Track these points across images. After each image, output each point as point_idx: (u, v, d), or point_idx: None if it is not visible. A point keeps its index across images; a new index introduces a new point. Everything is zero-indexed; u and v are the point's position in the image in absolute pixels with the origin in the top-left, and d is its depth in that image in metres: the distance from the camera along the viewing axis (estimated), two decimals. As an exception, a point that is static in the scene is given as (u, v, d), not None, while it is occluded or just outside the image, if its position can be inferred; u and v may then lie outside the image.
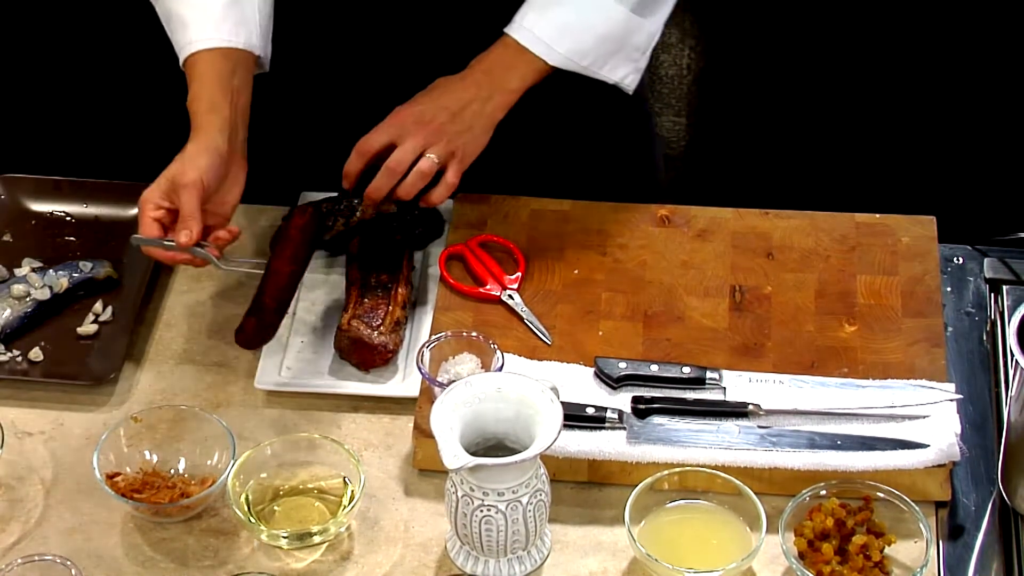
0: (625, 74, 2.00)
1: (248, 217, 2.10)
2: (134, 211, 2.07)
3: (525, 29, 1.95)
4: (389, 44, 2.06)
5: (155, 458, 1.81)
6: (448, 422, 1.67)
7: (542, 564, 1.74)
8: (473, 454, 1.66)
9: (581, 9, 1.95)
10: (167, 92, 3.26)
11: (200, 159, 1.85)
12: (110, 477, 1.77)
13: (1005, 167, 2.01)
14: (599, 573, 1.73)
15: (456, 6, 2.01)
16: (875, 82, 2.86)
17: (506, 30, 1.96)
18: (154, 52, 3.28)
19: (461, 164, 1.94)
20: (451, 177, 1.93)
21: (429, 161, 1.92)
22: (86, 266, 2.01)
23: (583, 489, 1.80)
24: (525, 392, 1.70)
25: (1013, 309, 1.71)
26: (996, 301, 1.96)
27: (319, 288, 2.01)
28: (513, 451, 1.68)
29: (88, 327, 1.97)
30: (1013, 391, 1.71)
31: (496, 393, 1.70)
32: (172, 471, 1.81)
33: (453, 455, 1.64)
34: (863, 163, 2.02)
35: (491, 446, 1.71)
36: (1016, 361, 1.67)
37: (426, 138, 1.92)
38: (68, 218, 2.11)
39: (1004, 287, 1.96)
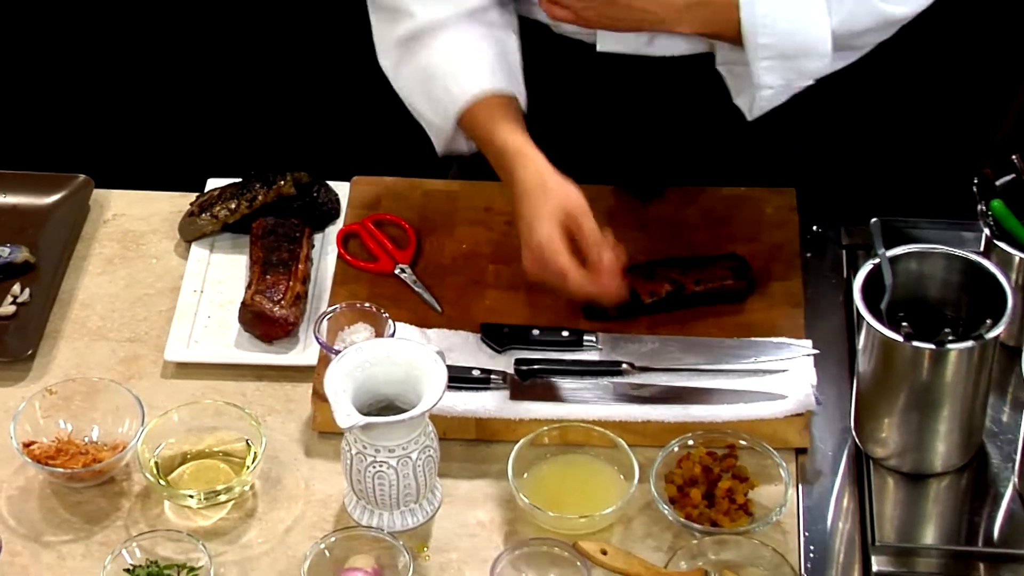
0: (771, 82, 1.83)
1: (152, 206, 2.09)
2: (49, 199, 2.08)
3: None
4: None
5: (69, 427, 1.79)
6: (341, 385, 1.67)
7: (433, 515, 1.74)
8: (367, 415, 1.65)
9: (806, 10, 1.81)
10: (81, 88, 3.28)
11: (568, 186, 1.75)
12: (26, 445, 1.76)
13: (867, 152, 2.03)
14: (487, 522, 1.73)
15: None
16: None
17: None
18: (74, 48, 3.28)
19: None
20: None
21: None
22: (4, 251, 1.99)
23: (472, 446, 1.80)
24: (412, 356, 1.70)
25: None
26: (850, 265, 1.97)
27: (225, 267, 2.00)
28: (403, 411, 1.68)
29: (6, 308, 1.94)
30: (861, 344, 1.72)
31: (386, 357, 1.70)
32: (86, 439, 1.79)
33: (345, 415, 1.64)
34: (735, 143, 2.04)
35: (383, 407, 1.71)
36: (862, 317, 1.69)
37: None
38: (-13, 207, 2.09)
39: (858, 252, 1.97)
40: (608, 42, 1.91)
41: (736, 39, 1.81)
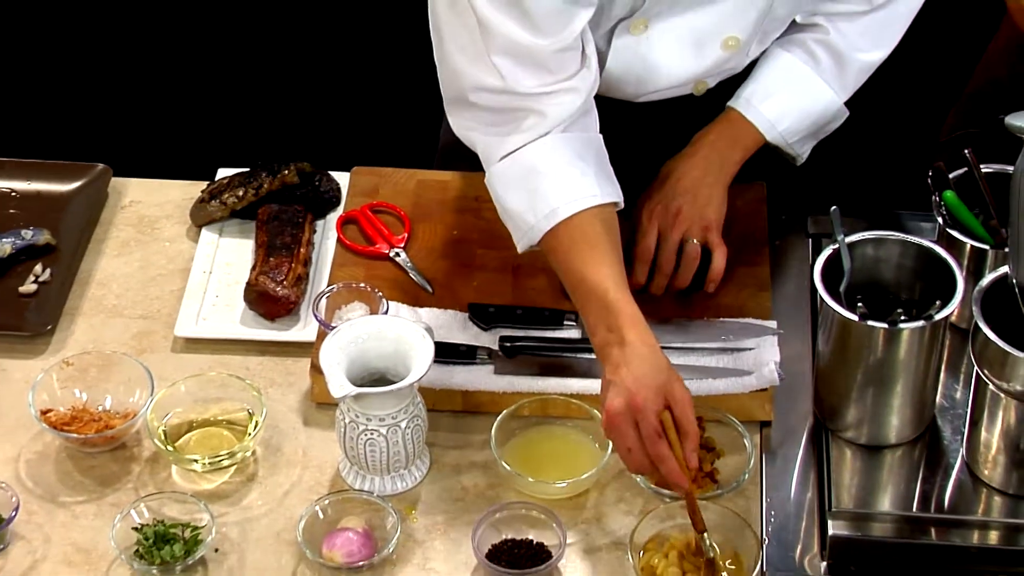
0: (807, 150, 1.97)
1: (166, 193, 2.14)
2: (70, 186, 2.12)
3: (753, 107, 1.91)
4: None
5: (84, 396, 1.85)
6: (335, 358, 1.72)
7: (422, 481, 1.79)
8: (359, 386, 1.71)
9: (805, 94, 1.92)
10: (102, 85, 3.33)
11: (674, 371, 1.66)
12: (44, 413, 1.81)
13: (834, 148, 2.07)
14: (471, 487, 1.78)
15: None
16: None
17: (732, 104, 1.92)
18: (96, 49, 3.34)
19: (717, 230, 1.90)
20: (716, 243, 1.89)
21: (692, 245, 1.88)
22: (28, 234, 2.04)
23: (459, 417, 1.85)
24: (402, 332, 1.75)
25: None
26: (815, 252, 2.01)
27: (232, 251, 2.05)
28: (393, 383, 1.73)
29: (29, 286, 2.00)
30: (821, 324, 1.77)
31: (377, 333, 1.75)
32: (99, 408, 1.84)
33: (339, 385, 1.69)
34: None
35: (375, 379, 1.76)
36: (821, 298, 1.73)
37: (679, 228, 1.88)
38: (13, 193, 2.13)
39: (822, 240, 2.01)
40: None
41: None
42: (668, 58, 1.87)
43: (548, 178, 1.74)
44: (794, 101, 1.93)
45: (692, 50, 1.87)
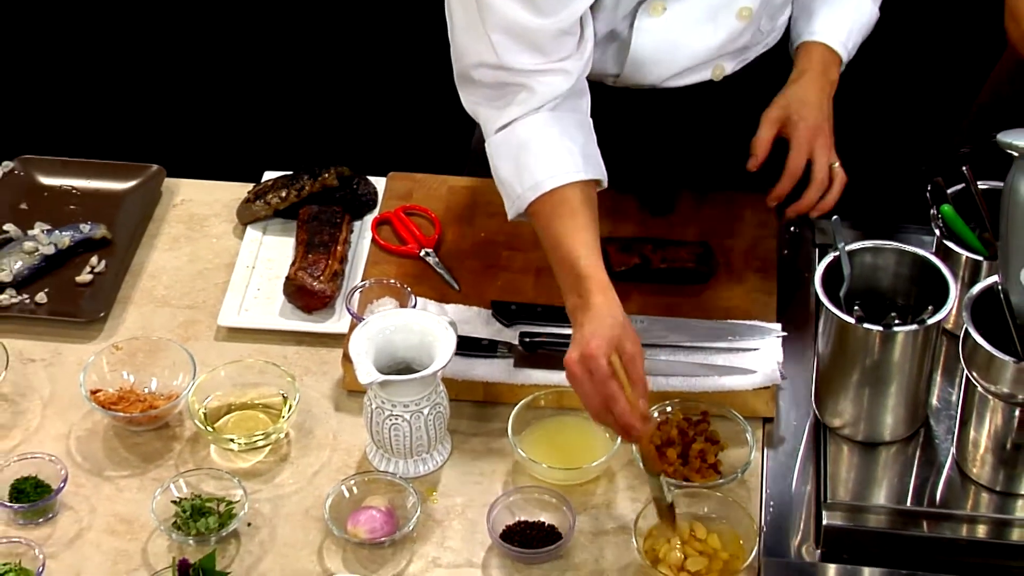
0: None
1: (215, 193, 2.20)
2: (126, 185, 2.18)
3: (832, 34, 1.96)
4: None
5: (132, 379, 1.90)
6: (364, 347, 1.77)
7: (443, 465, 1.83)
8: (385, 375, 1.75)
9: (856, 10, 2.00)
10: (160, 92, 3.40)
11: (630, 325, 1.70)
12: (93, 393, 1.87)
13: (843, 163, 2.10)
14: (489, 472, 1.82)
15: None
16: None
17: (815, 38, 1.97)
18: (146, 53, 3.42)
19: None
20: (842, 175, 1.92)
21: (841, 170, 1.92)
22: (85, 228, 2.10)
23: (480, 407, 1.89)
24: (427, 324, 1.80)
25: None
26: (820, 261, 2.03)
27: (274, 247, 2.10)
28: (417, 372, 1.77)
29: (85, 276, 2.06)
30: (821, 327, 1.80)
31: (404, 325, 1.80)
32: (145, 389, 1.90)
33: (366, 372, 1.74)
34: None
35: (401, 369, 1.80)
36: (821, 302, 1.76)
37: (828, 150, 1.92)
38: (74, 191, 2.19)
39: (828, 250, 2.03)
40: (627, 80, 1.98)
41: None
42: (688, 36, 1.92)
43: (535, 153, 1.79)
44: (853, 20, 1.98)
45: (709, 25, 1.92)
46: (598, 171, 1.82)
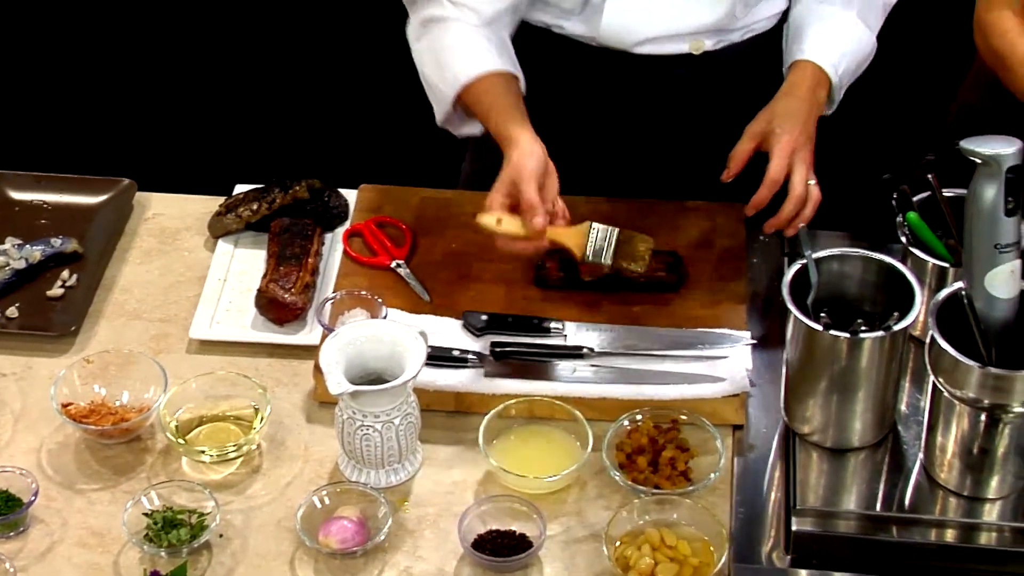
0: (841, 96, 2.02)
1: (186, 206, 2.20)
2: (98, 199, 2.18)
3: (822, 54, 1.97)
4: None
5: (103, 392, 1.90)
6: (334, 358, 1.77)
7: (414, 475, 1.83)
8: (356, 385, 1.75)
9: (851, 37, 2.01)
10: (131, 106, 3.41)
11: (531, 160, 1.86)
12: (65, 406, 1.86)
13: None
14: (460, 481, 1.83)
15: None
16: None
17: (803, 57, 1.98)
18: (117, 67, 3.42)
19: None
20: (817, 193, 1.93)
21: (817, 189, 1.93)
22: (56, 242, 2.09)
23: (451, 417, 1.89)
24: (397, 335, 1.80)
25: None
26: (788, 269, 2.04)
27: (246, 260, 2.10)
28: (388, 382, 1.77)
29: (56, 291, 2.05)
30: (789, 335, 1.81)
31: (374, 336, 1.80)
32: (117, 402, 1.89)
33: (336, 383, 1.74)
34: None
35: (372, 379, 1.80)
36: (789, 310, 1.77)
37: (808, 165, 1.93)
38: (45, 205, 2.19)
39: (797, 258, 2.05)
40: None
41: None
42: (659, 2, 1.97)
43: (453, 52, 1.97)
44: (845, 44, 2.00)
45: None
46: (512, 67, 1.97)
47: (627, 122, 2.12)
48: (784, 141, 1.93)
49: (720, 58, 2.05)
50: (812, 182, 1.94)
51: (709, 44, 2.04)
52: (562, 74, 2.11)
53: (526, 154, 1.87)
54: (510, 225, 1.86)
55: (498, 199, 1.87)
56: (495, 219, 1.86)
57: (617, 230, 1.91)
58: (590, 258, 1.89)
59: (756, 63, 2.07)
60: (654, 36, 2.01)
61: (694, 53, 2.03)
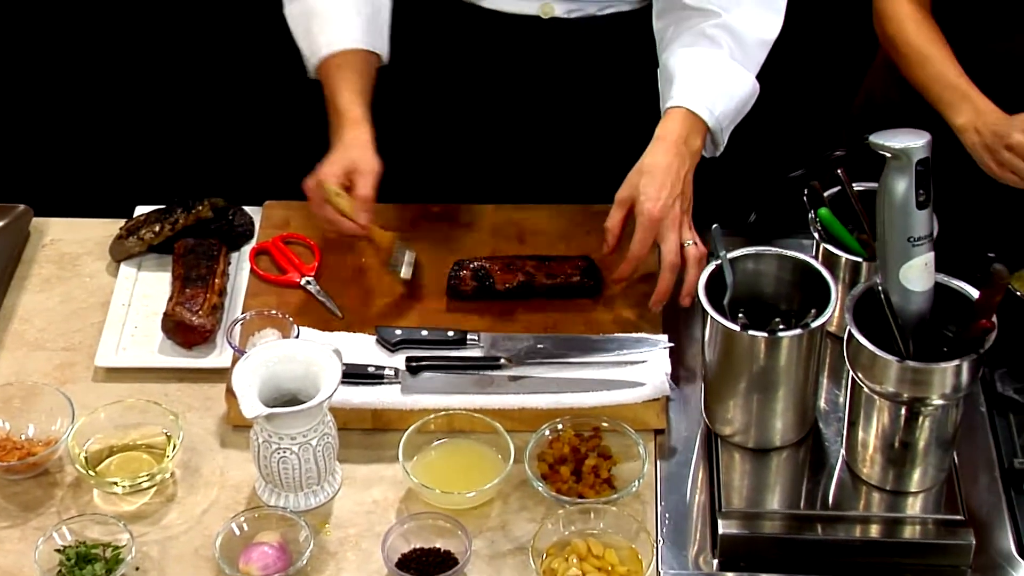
0: (727, 137, 1.98)
1: (86, 231, 2.15)
2: (-4, 225, 2.13)
3: (688, 99, 1.92)
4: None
5: (8, 426, 1.85)
6: (247, 381, 1.73)
7: (334, 496, 1.80)
8: (271, 407, 1.72)
9: (725, 77, 1.96)
10: (23, 127, 3.32)
11: (372, 156, 1.91)
12: (-33, 443, 1.81)
13: (727, 169, 2.11)
14: (381, 500, 1.80)
15: None
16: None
17: (673, 103, 1.93)
18: (7, 90, 3.34)
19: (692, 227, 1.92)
20: (702, 247, 1.89)
21: (695, 248, 1.89)
22: (-50, 273, 2.04)
23: (369, 435, 1.86)
24: (311, 354, 1.76)
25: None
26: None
27: (150, 284, 2.06)
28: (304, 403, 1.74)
29: (-48, 323, 2.00)
30: (707, 336, 1.80)
31: (287, 356, 1.76)
32: (22, 436, 1.84)
33: (251, 406, 1.70)
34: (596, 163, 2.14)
35: (287, 401, 1.77)
36: (705, 311, 1.77)
37: (676, 230, 1.88)
38: (-63, 234, 2.13)
39: (711, 258, 2.03)
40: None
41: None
42: None
43: (320, 20, 1.99)
44: (719, 86, 1.95)
45: None
46: (380, 46, 2.01)
47: (490, 88, 2.12)
48: (646, 211, 1.87)
49: (574, 28, 2.03)
50: (689, 243, 1.89)
51: (560, 10, 2.02)
52: (426, 32, 2.12)
53: (366, 146, 1.91)
54: (344, 202, 1.90)
55: (332, 176, 1.90)
56: (336, 191, 1.90)
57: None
58: (393, 268, 1.96)
59: (621, 42, 2.04)
60: None
61: (542, 16, 2.02)
